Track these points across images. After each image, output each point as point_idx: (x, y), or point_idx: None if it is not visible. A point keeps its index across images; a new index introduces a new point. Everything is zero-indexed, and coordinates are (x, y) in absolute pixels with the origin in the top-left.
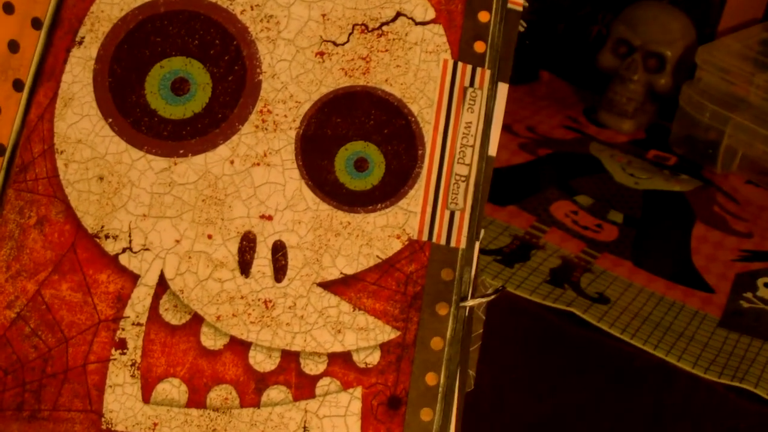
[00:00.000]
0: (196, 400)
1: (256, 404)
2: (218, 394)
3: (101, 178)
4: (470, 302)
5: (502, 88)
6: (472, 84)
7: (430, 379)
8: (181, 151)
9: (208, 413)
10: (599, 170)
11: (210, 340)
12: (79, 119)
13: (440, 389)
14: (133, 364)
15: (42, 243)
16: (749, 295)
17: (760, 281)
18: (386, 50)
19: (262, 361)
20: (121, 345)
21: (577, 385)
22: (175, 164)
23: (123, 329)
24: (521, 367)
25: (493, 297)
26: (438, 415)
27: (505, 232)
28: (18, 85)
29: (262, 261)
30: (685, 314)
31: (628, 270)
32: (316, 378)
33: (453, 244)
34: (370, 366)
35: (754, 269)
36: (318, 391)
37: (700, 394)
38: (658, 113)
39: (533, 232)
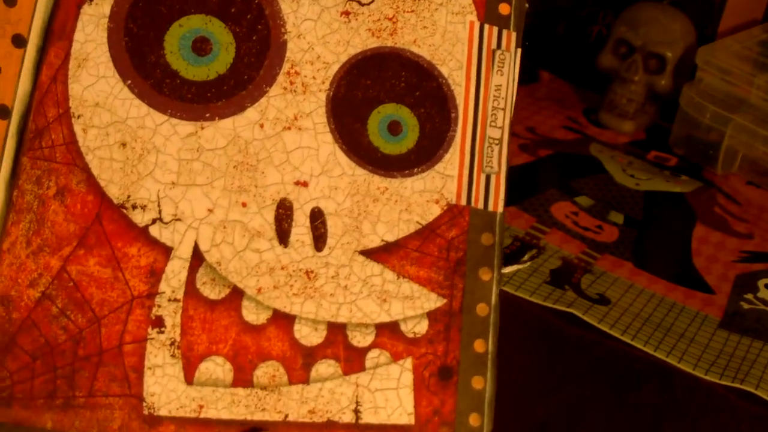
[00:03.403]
0: (242, 378)
1: (305, 380)
2: (265, 372)
3: (124, 144)
4: (510, 268)
5: (517, 54)
6: (499, 46)
7: (479, 346)
8: (208, 115)
9: (256, 392)
10: (600, 171)
11: (252, 314)
12: (96, 81)
13: (489, 356)
14: (172, 343)
15: (64, 215)
16: (750, 296)
17: (761, 282)
18: (412, 11)
19: (308, 335)
20: (158, 323)
21: (578, 386)
22: (202, 128)
23: (159, 306)
24: (521, 368)
25: (528, 264)
26: (489, 383)
27: (506, 233)
28: (18, 41)
29: (301, 229)
30: (686, 315)
31: (629, 271)
32: (365, 350)
33: (491, 208)
34: (419, 336)
35: (754, 270)
36: (368, 363)
37: (700, 395)
38: (658, 114)
39: (533, 233)
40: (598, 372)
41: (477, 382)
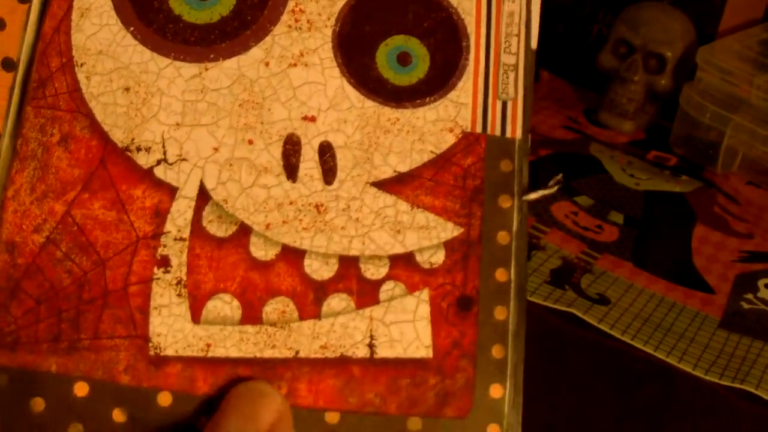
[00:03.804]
0: (251, 315)
1: (317, 315)
2: (274, 308)
3: (127, 89)
4: (533, 195)
5: None
6: None
7: (500, 275)
8: (212, 56)
9: (266, 329)
10: (599, 171)
11: (261, 250)
12: (99, 29)
13: (512, 285)
14: (178, 282)
15: (68, 161)
16: (750, 296)
17: (761, 282)
18: None
19: (319, 269)
20: (164, 263)
21: (578, 386)
22: (206, 69)
23: (165, 246)
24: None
25: (554, 189)
26: (513, 314)
27: None
28: None
29: (309, 164)
30: (686, 315)
31: (629, 271)
32: (379, 283)
33: (508, 134)
34: (435, 266)
35: (754, 270)
36: (382, 296)
37: (701, 395)
38: (658, 114)
39: (533, 232)
40: (598, 372)
41: (500, 313)
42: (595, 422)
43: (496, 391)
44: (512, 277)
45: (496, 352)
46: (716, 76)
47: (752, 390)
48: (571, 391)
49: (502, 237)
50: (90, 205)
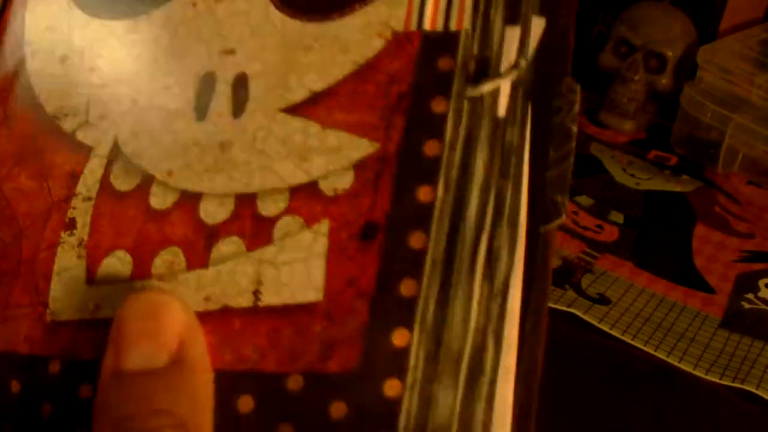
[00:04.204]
0: (141, 270)
1: (205, 264)
2: (164, 260)
3: (65, 58)
4: (480, 88)
5: None
6: None
7: (424, 194)
8: (143, 9)
9: (151, 283)
10: (600, 170)
11: (159, 199)
12: (48, 6)
13: (437, 206)
14: (80, 244)
15: (7, 138)
16: (750, 296)
17: (762, 282)
18: None
19: (214, 212)
20: (71, 225)
21: (578, 386)
22: (136, 24)
23: (74, 208)
24: None
25: (512, 76)
26: (435, 242)
27: None
28: None
29: (221, 99)
30: (687, 315)
31: (629, 271)
32: (275, 219)
33: (453, 27)
34: (341, 192)
35: (755, 270)
36: (276, 234)
37: (701, 395)
38: (659, 113)
39: None
40: (598, 372)
41: (416, 240)
42: (595, 422)
43: (400, 337)
44: (439, 194)
45: (405, 288)
46: (717, 75)
47: (753, 390)
48: (571, 391)
49: (430, 147)
50: (18, 178)
